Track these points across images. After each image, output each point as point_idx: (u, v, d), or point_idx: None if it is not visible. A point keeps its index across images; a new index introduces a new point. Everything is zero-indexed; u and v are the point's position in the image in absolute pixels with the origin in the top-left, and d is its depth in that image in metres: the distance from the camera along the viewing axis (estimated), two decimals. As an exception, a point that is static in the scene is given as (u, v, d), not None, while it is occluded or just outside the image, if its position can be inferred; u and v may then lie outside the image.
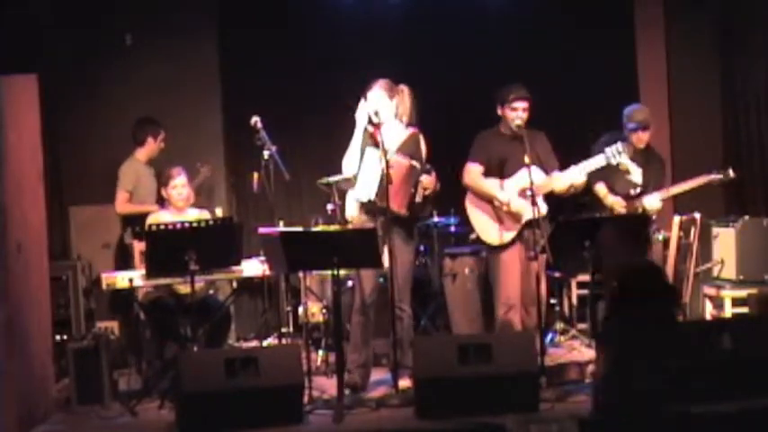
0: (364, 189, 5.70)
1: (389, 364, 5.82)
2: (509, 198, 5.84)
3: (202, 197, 7.25)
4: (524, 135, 5.71)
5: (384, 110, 5.73)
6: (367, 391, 5.68)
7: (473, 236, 6.31)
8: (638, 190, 6.45)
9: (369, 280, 5.79)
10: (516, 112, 5.84)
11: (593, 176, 6.48)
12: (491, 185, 5.92)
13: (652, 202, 6.38)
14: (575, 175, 5.81)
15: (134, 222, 6.63)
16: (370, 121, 5.70)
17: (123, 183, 6.96)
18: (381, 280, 5.96)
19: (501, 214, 5.88)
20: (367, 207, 5.73)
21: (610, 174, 6.49)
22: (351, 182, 5.83)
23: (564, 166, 5.93)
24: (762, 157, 7.44)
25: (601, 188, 6.52)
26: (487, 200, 5.92)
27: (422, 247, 7.21)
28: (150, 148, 7.10)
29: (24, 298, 5.31)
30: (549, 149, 5.98)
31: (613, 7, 7.98)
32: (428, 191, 5.77)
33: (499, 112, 5.95)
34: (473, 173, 5.97)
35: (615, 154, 5.75)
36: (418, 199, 5.75)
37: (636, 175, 6.50)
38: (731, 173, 6.46)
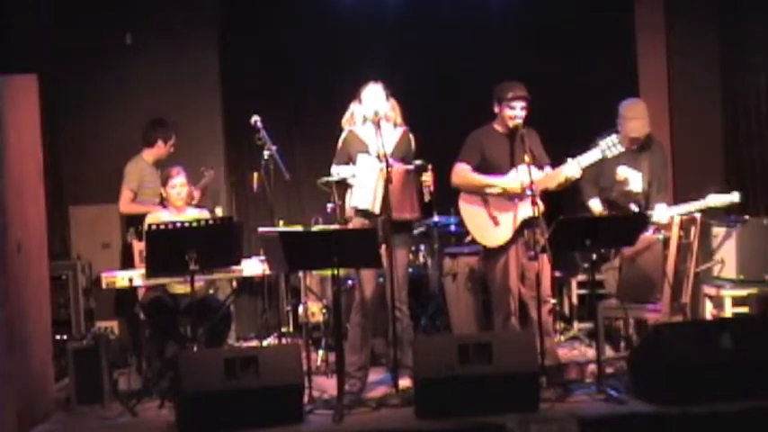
0: (364, 198, 5.69)
1: (389, 364, 5.82)
2: (511, 180, 5.73)
3: (205, 198, 7.25)
4: (524, 134, 5.69)
5: (382, 109, 5.74)
6: (367, 391, 5.68)
7: (468, 239, 6.27)
8: (638, 206, 6.36)
9: (369, 280, 5.78)
10: (514, 111, 5.75)
11: (588, 189, 6.41)
12: (483, 176, 5.81)
13: (660, 215, 6.16)
14: (570, 169, 5.69)
15: (137, 222, 6.63)
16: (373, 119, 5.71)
17: (128, 181, 6.92)
18: (381, 280, 5.96)
19: (496, 214, 5.79)
20: (370, 214, 5.72)
21: (606, 186, 6.39)
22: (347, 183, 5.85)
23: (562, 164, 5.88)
24: (762, 157, 7.44)
25: (595, 205, 6.42)
26: (481, 200, 5.82)
27: (422, 247, 7.21)
28: (159, 150, 7.04)
29: (24, 298, 5.31)
30: (541, 146, 5.88)
31: (613, 8, 7.98)
32: (431, 187, 5.77)
33: (496, 109, 5.86)
34: (461, 171, 5.86)
35: (610, 146, 5.66)
36: (427, 198, 5.76)
37: (635, 183, 6.38)
38: (736, 197, 6.33)
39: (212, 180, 7.33)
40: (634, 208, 6.33)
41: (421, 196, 5.76)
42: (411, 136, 5.89)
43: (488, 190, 5.81)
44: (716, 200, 6.21)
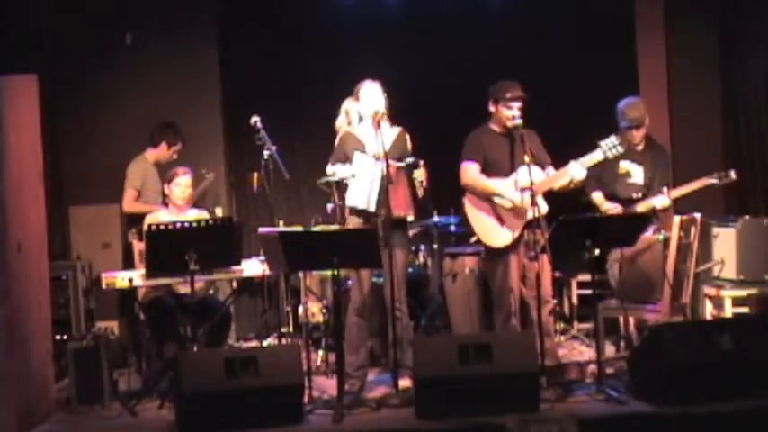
0: (361, 197, 5.68)
1: (389, 364, 5.81)
2: (515, 194, 5.75)
3: (205, 200, 7.25)
4: (524, 134, 5.68)
5: (381, 108, 5.73)
6: (367, 391, 5.68)
7: (473, 239, 6.28)
8: (640, 194, 6.43)
9: (364, 280, 5.78)
10: (512, 111, 5.75)
11: (591, 184, 6.47)
12: (495, 182, 5.82)
13: (663, 201, 6.35)
14: (576, 172, 5.71)
15: (139, 222, 6.63)
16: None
17: (131, 181, 6.94)
18: (380, 280, 5.96)
19: (502, 214, 5.81)
20: (366, 214, 5.71)
21: (609, 180, 6.47)
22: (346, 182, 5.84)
23: (563, 165, 5.88)
24: (762, 157, 7.44)
25: (597, 196, 6.53)
26: (487, 200, 5.84)
27: (422, 247, 7.21)
28: (161, 152, 7.07)
29: (24, 298, 5.31)
30: (541, 146, 5.90)
31: (614, 8, 7.98)
32: (424, 183, 5.76)
33: (492, 108, 5.86)
34: (471, 171, 5.85)
35: (611, 147, 5.68)
36: (420, 194, 5.75)
37: (637, 176, 6.49)
38: (732, 175, 6.44)
39: (212, 183, 7.32)
40: (635, 197, 6.42)
41: (414, 193, 5.76)
42: (407, 136, 5.89)
43: (496, 199, 5.81)
44: (712, 179, 6.43)
